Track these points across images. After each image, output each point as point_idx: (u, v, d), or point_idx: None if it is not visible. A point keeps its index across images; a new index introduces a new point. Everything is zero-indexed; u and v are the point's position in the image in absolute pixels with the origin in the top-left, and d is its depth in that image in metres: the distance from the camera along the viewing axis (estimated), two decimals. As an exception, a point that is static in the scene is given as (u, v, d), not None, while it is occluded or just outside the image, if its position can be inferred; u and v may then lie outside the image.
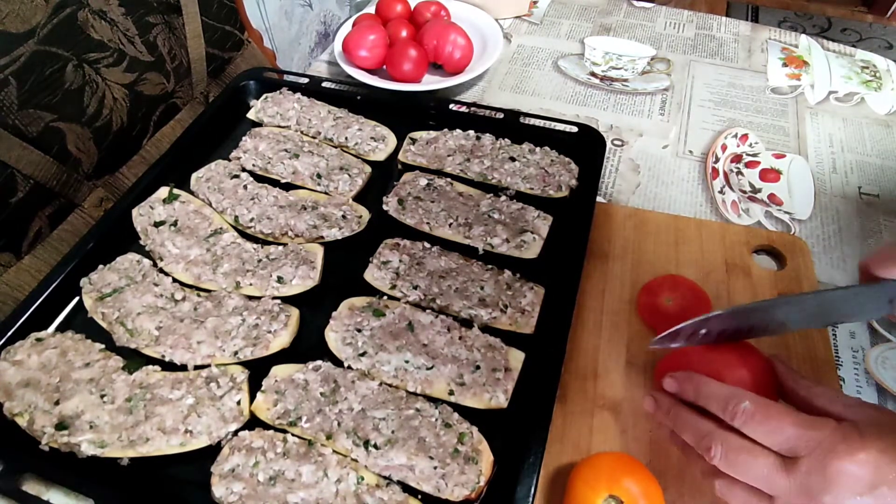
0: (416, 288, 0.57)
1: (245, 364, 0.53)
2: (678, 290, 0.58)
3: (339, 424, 0.48)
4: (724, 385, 0.41)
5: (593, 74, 0.91)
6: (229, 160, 0.70)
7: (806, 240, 0.66)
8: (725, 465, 0.38)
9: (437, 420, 0.48)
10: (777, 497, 0.37)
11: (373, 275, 0.58)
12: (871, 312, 0.45)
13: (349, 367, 0.52)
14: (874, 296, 0.42)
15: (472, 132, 0.72)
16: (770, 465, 0.37)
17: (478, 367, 0.51)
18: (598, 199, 0.68)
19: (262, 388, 0.50)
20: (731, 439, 0.39)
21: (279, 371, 0.52)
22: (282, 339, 0.54)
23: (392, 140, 0.73)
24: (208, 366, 0.52)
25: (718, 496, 0.40)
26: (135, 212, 0.63)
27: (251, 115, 0.76)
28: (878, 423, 0.37)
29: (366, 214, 0.65)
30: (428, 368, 0.51)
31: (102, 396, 0.50)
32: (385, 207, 0.64)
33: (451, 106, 0.79)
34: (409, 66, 0.81)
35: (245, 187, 0.66)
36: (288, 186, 0.68)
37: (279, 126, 0.74)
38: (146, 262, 0.60)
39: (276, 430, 0.48)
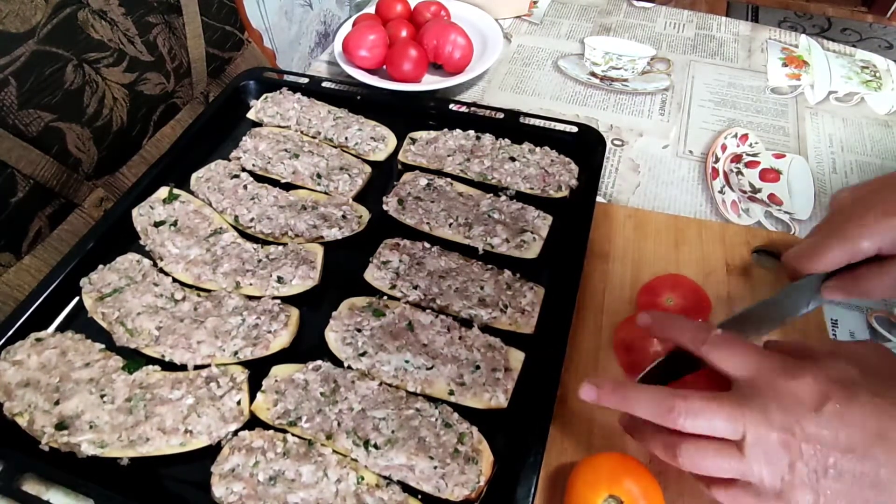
0: (416, 288, 0.57)
1: (245, 364, 0.53)
2: (679, 289, 0.58)
3: (339, 424, 0.48)
4: (695, 321, 0.42)
5: (593, 74, 0.91)
6: (229, 160, 0.70)
7: (806, 240, 0.66)
8: (688, 421, 0.37)
9: (437, 420, 0.48)
10: (743, 436, 0.36)
11: (373, 275, 0.58)
12: (804, 306, 0.47)
13: (349, 367, 0.52)
14: (804, 290, 0.46)
15: (472, 132, 0.72)
16: (729, 405, 0.36)
17: (478, 367, 0.51)
18: (598, 199, 0.68)
19: (262, 388, 0.51)
20: (691, 394, 0.38)
21: (279, 371, 0.52)
22: (282, 339, 0.54)
23: (392, 140, 0.73)
24: (208, 366, 0.52)
25: (686, 469, 0.38)
26: (135, 212, 0.63)
27: (251, 115, 0.76)
28: (839, 351, 0.39)
29: (366, 214, 0.65)
30: (428, 368, 0.51)
31: (102, 396, 0.50)
32: (385, 207, 0.64)
33: (451, 106, 0.79)
34: (409, 66, 0.81)
35: (245, 187, 0.66)
36: (288, 186, 0.68)
37: (279, 126, 0.74)
38: (146, 262, 0.60)
39: (276, 430, 0.48)
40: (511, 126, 0.73)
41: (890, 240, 0.42)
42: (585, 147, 0.69)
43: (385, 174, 0.71)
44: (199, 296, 0.57)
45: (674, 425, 0.37)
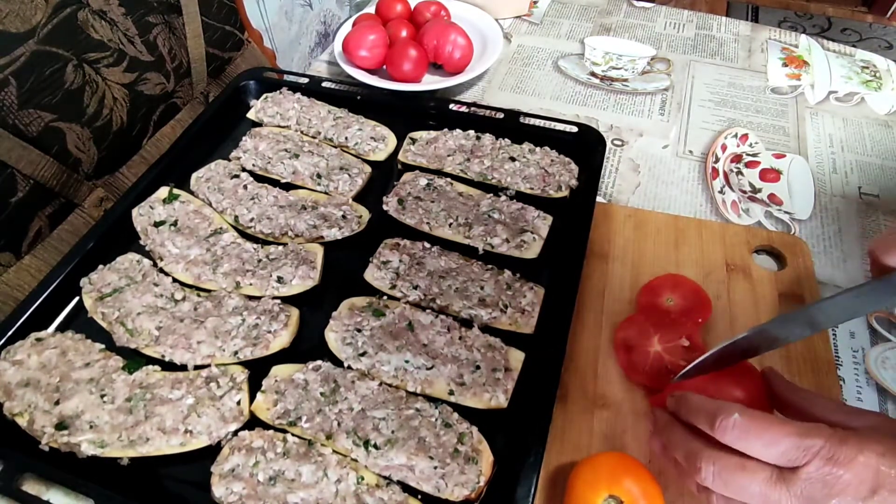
0: (416, 288, 0.57)
1: (245, 364, 0.53)
2: (679, 289, 0.58)
3: (339, 424, 0.48)
4: (710, 399, 0.40)
5: (593, 74, 0.91)
6: (229, 160, 0.70)
7: (806, 240, 0.66)
8: (718, 486, 0.37)
9: (437, 420, 0.48)
10: None
11: (373, 275, 0.58)
12: (883, 303, 0.43)
13: (349, 367, 0.52)
14: (881, 291, 0.41)
15: (472, 132, 0.72)
16: (766, 479, 0.36)
17: (478, 367, 0.51)
18: (598, 199, 0.68)
19: (262, 388, 0.51)
20: (723, 458, 0.37)
21: (279, 371, 0.52)
22: (282, 339, 0.54)
23: (392, 140, 0.73)
24: (208, 366, 0.52)
25: None
26: (135, 212, 0.63)
27: (251, 115, 0.76)
28: (876, 427, 0.37)
29: (366, 214, 0.65)
30: (428, 368, 0.51)
31: (102, 396, 0.50)
32: (385, 207, 0.64)
33: (451, 106, 0.79)
34: (409, 66, 0.81)
35: (245, 187, 0.66)
36: (288, 186, 0.68)
37: (279, 126, 0.74)
38: (146, 262, 0.60)
39: (276, 430, 0.48)
40: (511, 126, 0.73)
41: None
42: (585, 147, 0.69)
43: (385, 174, 0.71)
44: (199, 296, 0.57)
45: (702, 484, 0.38)
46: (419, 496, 0.45)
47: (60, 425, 0.48)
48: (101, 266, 0.59)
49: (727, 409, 0.37)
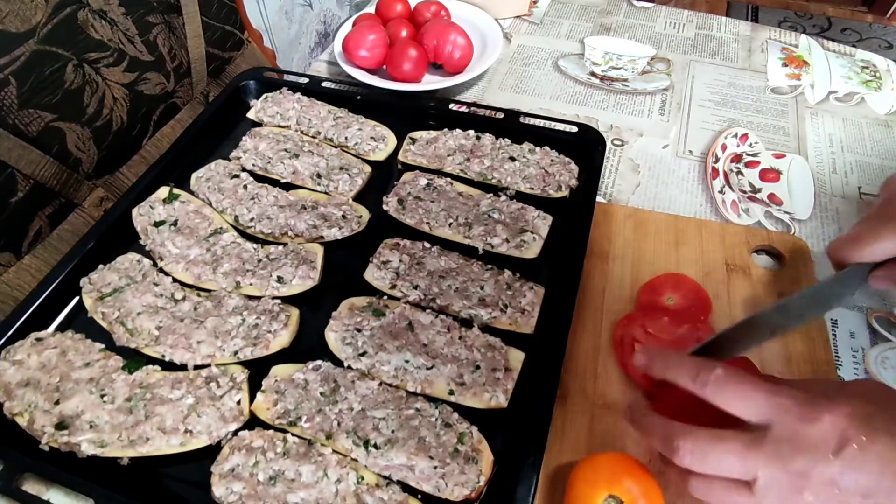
0: (416, 288, 0.57)
1: (245, 364, 0.53)
2: (679, 289, 0.58)
3: (339, 424, 0.48)
4: (693, 357, 0.41)
5: (593, 74, 0.91)
6: (229, 160, 0.70)
7: (806, 240, 0.66)
8: (695, 462, 0.37)
9: (437, 420, 0.48)
10: (755, 479, 0.35)
11: (373, 275, 0.58)
12: (849, 295, 0.46)
13: (349, 367, 0.52)
14: (850, 280, 0.44)
15: (472, 132, 0.72)
16: (740, 447, 0.36)
17: (478, 367, 0.51)
18: (598, 198, 0.68)
19: (262, 388, 0.51)
20: (697, 431, 0.37)
21: (279, 371, 0.52)
22: (282, 338, 0.54)
23: (392, 140, 0.73)
24: (208, 366, 0.52)
25: (697, 497, 0.38)
26: (135, 212, 0.63)
27: (251, 114, 0.76)
28: (846, 390, 0.37)
29: (366, 214, 0.65)
30: (428, 368, 0.51)
31: (102, 396, 0.50)
32: (385, 207, 0.64)
33: (451, 106, 0.79)
34: (409, 66, 0.81)
35: (245, 187, 0.66)
36: (288, 186, 0.68)
37: (279, 126, 0.74)
38: (146, 261, 0.60)
39: (276, 429, 0.48)
40: (511, 126, 0.73)
41: None
42: (585, 147, 0.69)
43: (385, 174, 0.71)
44: (199, 296, 0.57)
45: (680, 464, 0.37)
46: (419, 496, 0.45)
47: (60, 425, 0.48)
48: (101, 266, 0.59)
49: (709, 364, 0.38)
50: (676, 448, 0.37)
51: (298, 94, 0.77)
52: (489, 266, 0.59)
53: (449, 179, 0.67)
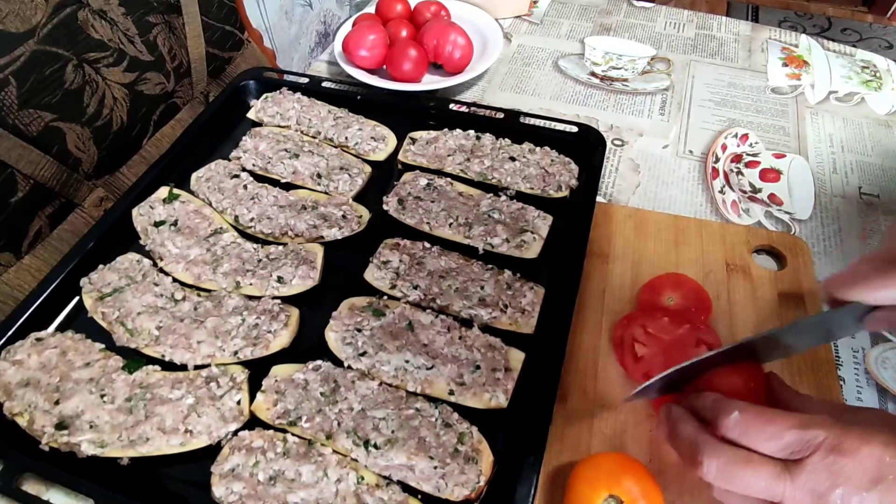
0: (416, 288, 0.57)
1: (245, 364, 0.53)
2: (680, 288, 0.58)
3: (339, 424, 0.48)
4: (714, 395, 0.40)
5: (593, 74, 0.91)
6: (229, 160, 0.70)
7: (806, 240, 0.66)
8: (721, 480, 0.37)
9: (437, 420, 0.48)
10: (782, 501, 0.36)
11: (373, 275, 0.58)
12: (843, 333, 0.45)
13: (349, 367, 0.52)
14: (845, 318, 0.42)
15: (472, 132, 0.72)
16: (770, 473, 0.36)
17: (478, 367, 0.51)
18: (598, 198, 0.68)
19: (262, 388, 0.50)
20: (725, 451, 0.37)
21: (279, 371, 0.52)
22: (282, 339, 0.54)
23: (392, 140, 0.73)
24: (208, 366, 0.52)
25: (717, 498, 0.39)
26: (135, 212, 0.63)
27: (251, 114, 0.76)
28: (876, 419, 0.37)
29: (366, 214, 0.65)
30: (428, 368, 0.51)
31: (102, 396, 0.50)
32: (385, 207, 0.64)
33: (451, 106, 0.79)
34: (409, 66, 0.81)
35: (245, 187, 0.66)
36: (288, 186, 0.68)
37: (279, 126, 0.74)
38: (146, 261, 0.60)
39: (276, 429, 0.48)
40: (511, 126, 0.73)
41: None
42: (585, 147, 0.69)
43: (385, 174, 0.71)
44: (199, 296, 0.57)
45: (704, 479, 0.37)
46: (419, 496, 0.45)
47: (60, 425, 0.48)
48: (101, 266, 0.59)
49: (728, 406, 0.38)
50: (700, 464, 0.37)
51: (298, 94, 0.77)
52: (489, 266, 0.59)
53: (449, 179, 0.67)
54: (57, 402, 0.49)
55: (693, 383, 0.45)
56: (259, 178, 0.68)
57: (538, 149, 0.69)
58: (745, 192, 0.72)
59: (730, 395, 0.41)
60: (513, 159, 0.68)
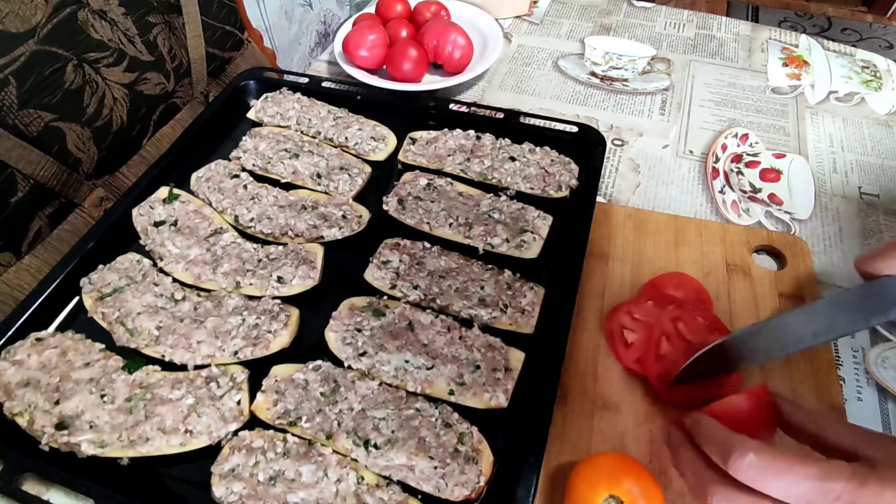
0: (416, 288, 0.57)
1: (245, 364, 0.53)
2: (682, 288, 0.58)
3: (339, 424, 0.48)
4: (724, 430, 0.38)
5: (593, 74, 0.91)
6: (229, 160, 0.70)
7: (806, 240, 0.66)
8: None
9: (437, 420, 0.48)
10: None
11: (373, 275, 0.58)
12: (877, 313, 0.41)
13: (349, 367, 0.52)
14: (876, 294, 0.40)
15: (472, 132, 0.72)
16: None
17: (478, 367, 0.51)
18: (598, 198, 0.68)
19: (262, 388, 0.50)
20: (737, 498, 0.36)
21: (279, 371, 0.52)
22: (282, 339, 0.54)
23: (392, 140, 0.73)
24: (208, 366, 0.52)
25: None
26: (135, 212, 0.63)
27: (251, 114, 0.76)
28: (893, 458, 0.35)
29: (366, 214, 0.65)
30: (428, 368, 0.51)
31: (102, 396, 0.50)
32: (385, 207, 0.64)
33: (451, 106, 0.79)
34: (409, 66, 0.81)
35: (245, 187, 0.66)
36: (288, 186, 0.68)
37: (279, 126, 0.74)
38: (146, 261, 0.60)
39: (276, 430, 0.48)
40: (511, 126, 0.73)
41: None
42: (585, 147, 0.69)
43: (385, 174, 0.71)
44: (199, 296, 0.57)
45: None
46: (419, 496, 0.45)
47: (60, 425, 0.48)
48: (101, 266, 0.59)
49: (742, 446, 0.36)
50: (709, 499, 0.37)
51: (298, 94, 0.77)
52: (489, 266, 0.59)
53: (449, 179, 0.67)
54: (57, 403, 0.49)
55: (712, 388, 0.45)
56: (259, 178, 0.68)
57: (538, 149, 0.69)
58: (745, 192, 0.72)
59: (738, 420, 0.40)
60: (513, 159, 0.68)
